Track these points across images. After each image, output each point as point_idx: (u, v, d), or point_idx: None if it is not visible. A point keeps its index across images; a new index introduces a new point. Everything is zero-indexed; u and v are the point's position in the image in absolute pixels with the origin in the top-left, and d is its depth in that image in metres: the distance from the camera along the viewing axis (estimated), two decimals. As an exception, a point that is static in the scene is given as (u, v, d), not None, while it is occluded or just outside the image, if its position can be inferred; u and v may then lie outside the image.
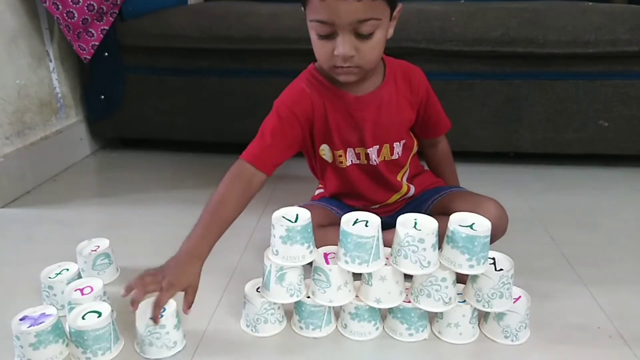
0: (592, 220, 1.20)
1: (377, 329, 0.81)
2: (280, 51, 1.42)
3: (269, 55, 1.45)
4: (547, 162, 1.54)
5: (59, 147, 1.52)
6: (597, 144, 1.45)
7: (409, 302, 0.78)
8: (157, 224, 1.19)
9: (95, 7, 1.40)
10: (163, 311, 0.74)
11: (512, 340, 0.79)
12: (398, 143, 0.94)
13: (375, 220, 0.76)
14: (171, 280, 0.74)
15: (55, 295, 0.86)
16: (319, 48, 0.82)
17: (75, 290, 0.81)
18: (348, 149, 0.93)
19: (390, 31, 0.84)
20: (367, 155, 0.94)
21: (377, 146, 0.93)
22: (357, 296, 0.80)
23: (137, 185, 1.43)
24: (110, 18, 1.45)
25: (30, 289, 0.92)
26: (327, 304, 0.78)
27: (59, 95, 1.54)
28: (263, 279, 0.80)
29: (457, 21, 1.36)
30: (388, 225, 0.80)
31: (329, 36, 0.79)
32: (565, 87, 1.39)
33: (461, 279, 0.79)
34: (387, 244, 0.78)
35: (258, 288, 0.82)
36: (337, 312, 0.83)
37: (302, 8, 0.82)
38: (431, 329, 0.81)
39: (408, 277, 0.77)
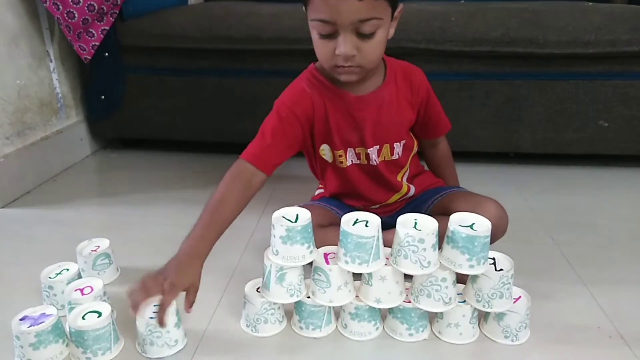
0: (592, 220, 1.20)
1: (377, 329, 0.81)
2: (280, 51, 1.42)
3: (269, 56, 1.45)
4: (547, 162, 1.54)
5: (59, 147, 1.52)
6: (597, 144, 1.44)
7: (409, 302, 0.78)
8: (157, 224, 1.19)
9: (96, 8, 1.40)
10: (163, 310, 0.74)
11: (512, 341, 0.79)
12: (398, 143, 0.94)
13: (375, 220, 0.76)
14: (173, 281, 0.74)
15: (55, 295, 0.86)
16: (320, 47, 0.82)
17: (76, 290, 0.81)
18: (348, 149, 0.93)
19: (392, 31, 0.84)
20: (367, 155, 0.94)
21: (378, 146, 0.93)
22: (357, 296, 0.80)
23: (137, 185, 1.43)
24: (111, 18, 1.45)
25: (30, 289, 0.92)
26: (327, 304, 0.78)
27: (59, 95, 1.54)
28: (263, 279, 0.80)
29: (457, 21, 1.36)
30: (388, 225, 0.81)
31: (331, 36, 0.79)
32: (565, 87, 1.39)
33: (461, 279, 0.79)
34: (387, 244, 0.78)
35: (258, 288, 0.82)
36: (337, 312, 0.83)
37: (303, 8, 0.82)
38: (431, 329, 0.81)
39: (408, 277, 0.77)
